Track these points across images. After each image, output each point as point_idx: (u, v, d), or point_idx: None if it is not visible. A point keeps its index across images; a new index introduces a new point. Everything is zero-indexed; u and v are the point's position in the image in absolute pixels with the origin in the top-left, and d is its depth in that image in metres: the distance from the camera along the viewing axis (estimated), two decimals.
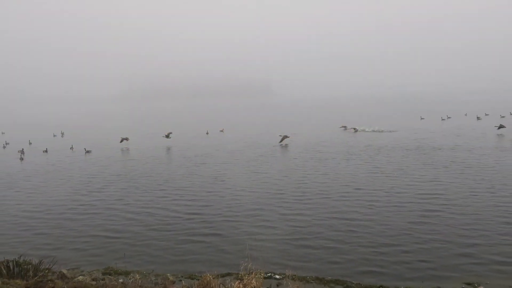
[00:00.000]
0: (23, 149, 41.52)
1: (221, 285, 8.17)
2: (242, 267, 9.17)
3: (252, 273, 8.51)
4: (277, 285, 9.31)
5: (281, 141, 39.27)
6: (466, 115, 64.43)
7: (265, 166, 27.42)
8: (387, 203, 16.67)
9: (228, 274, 10.30)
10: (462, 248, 11.56)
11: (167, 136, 44.42)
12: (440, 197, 17.17)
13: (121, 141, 44.02)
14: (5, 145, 49.58)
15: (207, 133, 53.47)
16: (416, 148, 32.11)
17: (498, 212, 14.64)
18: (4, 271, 8.89)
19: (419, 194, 17.84)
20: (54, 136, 61.17)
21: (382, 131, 46.76)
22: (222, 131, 56.26)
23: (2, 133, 71.28)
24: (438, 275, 9.94)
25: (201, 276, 9.15)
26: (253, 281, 8.08)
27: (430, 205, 15.97)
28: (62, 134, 63.15)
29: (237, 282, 8.11)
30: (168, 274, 10.27)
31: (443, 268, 10.30)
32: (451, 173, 22.01)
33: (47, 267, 9.35)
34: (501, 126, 41.07)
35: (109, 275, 10.35)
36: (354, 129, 49.64)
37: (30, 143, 50.15)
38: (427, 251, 11.48)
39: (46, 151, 41.44)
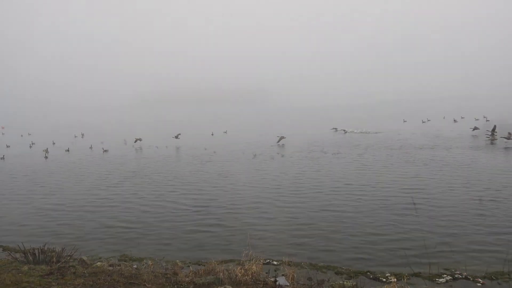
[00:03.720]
0: (47, 148, 41.53)
1: (224, 270, 8.15)
2: (243, 254, 9.15)
3: (252, 259, 8.49)
4: (275, 270, 9.28)
5: (278, 141, 39.23)
6: (444, 118, 64.34)
7: (264, 163, 27.38)
8: (374, 197, 16.63)
9: (231, 261, 10.27)
10: (441, 237, 11.53)
11: (177, 137, 44.42)
12: (421, 191, 17.13)
13: (135, 141, 44.00)
14: (31, 145, 49.59)
15: (212, 134, 53.41)
16: (399, 147, 32.06)
17: (473, 205, 14.61)
18: (31, 258, 8.87)
19: (403, 189, 17.80)
20: (75, 137, 61.16)
21: (368, 133, 46.72)
22: (225, 132, 56.17)
23: (29, 134, 71.39)
24: (419, 262, 9.90)
25: (206, 262, 9.14)
26: (254, 266, 8.06)
27: (412, 199, 15.93)
28: (82, 135, 63.14)
29: (239, 268, 8.10)
30: (177, 261, 10.25)
31: (424, 255, 10.26)
32: (431, 170, 21.98)
33: (69, 254, 9.32)
34: (475, 128, 41.01)
35: (124, 261, 10.32)
36: (344, 130, 49.59)
37: (53, 143, 50.15)
38: (410, 240, 11.45)
39: (68, 150, 41.42)
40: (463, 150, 29.19)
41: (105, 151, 38.91)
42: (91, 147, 42.46)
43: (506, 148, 29.55)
